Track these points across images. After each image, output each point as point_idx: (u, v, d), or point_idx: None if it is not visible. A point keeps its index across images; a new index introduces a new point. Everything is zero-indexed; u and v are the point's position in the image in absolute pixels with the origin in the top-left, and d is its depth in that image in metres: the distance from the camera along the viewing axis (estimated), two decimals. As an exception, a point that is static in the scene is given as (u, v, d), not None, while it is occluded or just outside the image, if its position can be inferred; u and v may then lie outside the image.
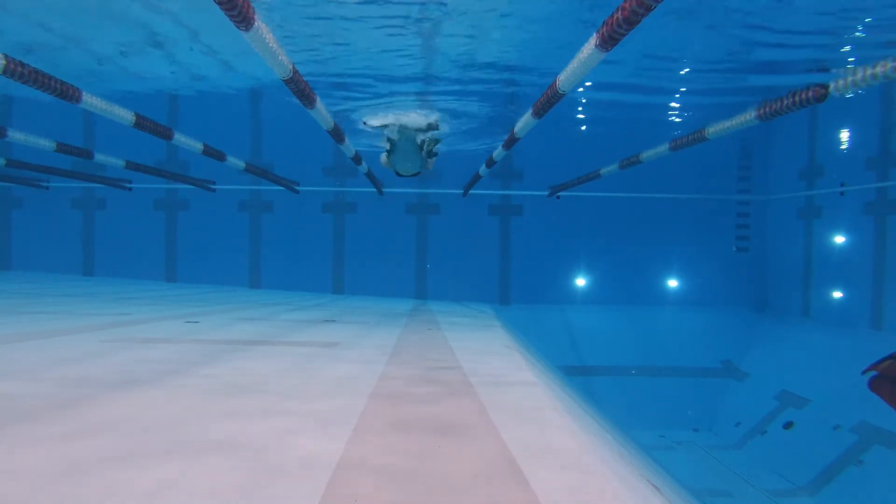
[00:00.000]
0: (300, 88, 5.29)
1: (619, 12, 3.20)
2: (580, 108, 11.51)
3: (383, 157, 9.72)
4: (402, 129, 9.43)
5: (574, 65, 4.18)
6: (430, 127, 9.30)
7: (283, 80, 4.96)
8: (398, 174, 9.96)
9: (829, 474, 8.77)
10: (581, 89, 10.06)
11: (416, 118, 10.13)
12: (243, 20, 3.57)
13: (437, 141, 9.64)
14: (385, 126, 9.30)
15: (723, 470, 9.85)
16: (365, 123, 9.29)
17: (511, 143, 7.57)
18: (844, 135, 12.13)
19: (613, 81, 9.60)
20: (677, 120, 11.96)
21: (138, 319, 6.04)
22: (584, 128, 12.26)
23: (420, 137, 9.34)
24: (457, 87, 9.18)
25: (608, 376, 12.61)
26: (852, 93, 3.84)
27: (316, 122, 6.82)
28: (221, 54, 8.57)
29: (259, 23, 3.75)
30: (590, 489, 1.77)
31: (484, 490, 1.72)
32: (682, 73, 9.15)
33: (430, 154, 9.61)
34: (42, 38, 8.08)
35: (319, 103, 6.05)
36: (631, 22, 3.18)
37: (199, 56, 8.67)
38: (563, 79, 4.56)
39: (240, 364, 3.66)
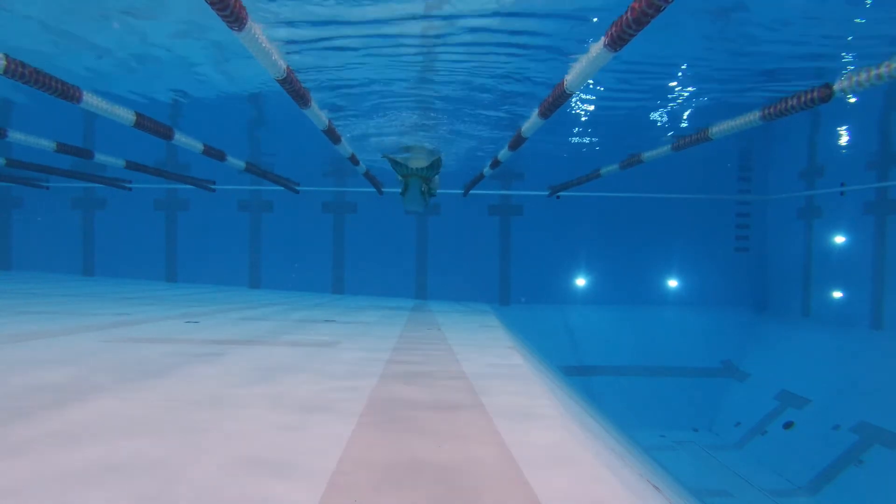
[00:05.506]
0: (294, 88, 5.23)
1: (629, 13, 3.13)
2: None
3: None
4: (412, 170, 10.04)
5: (582, 64, 4.06)
6: (435, 164, 9.86)
7: (277, 81, 4.91)
8: (407, 212, 11.40)
9: (829, 474, 8.77)
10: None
11: (421, 156, 11.19)
12: (236, 20, 3.54)
13: (437, 171, 10.26)
14: (395, 161, 10.05)
15: (723, 470, 9.84)
16: (384, 156, 10.34)
17: (517, 143, 7.44)
18: (844, 135, 12.12)
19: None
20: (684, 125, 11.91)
21: (150, 318, 6.04)
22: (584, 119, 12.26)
23: (424, 186, 10.24)
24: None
25: (608, 376, 12.61)
26: (857, 93, 3.74)
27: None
28: (221, 54, 8.54)
29: (251, 23, 3.72)
30: (589, 489, 1.77)
31: (486, 489, 1.71)
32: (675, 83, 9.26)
33: (431, 194, 10.64)
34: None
35: (314, 103, 6.02)
36: (640, 23, 3.12)
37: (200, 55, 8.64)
38: (570, 79, 4.43)
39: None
